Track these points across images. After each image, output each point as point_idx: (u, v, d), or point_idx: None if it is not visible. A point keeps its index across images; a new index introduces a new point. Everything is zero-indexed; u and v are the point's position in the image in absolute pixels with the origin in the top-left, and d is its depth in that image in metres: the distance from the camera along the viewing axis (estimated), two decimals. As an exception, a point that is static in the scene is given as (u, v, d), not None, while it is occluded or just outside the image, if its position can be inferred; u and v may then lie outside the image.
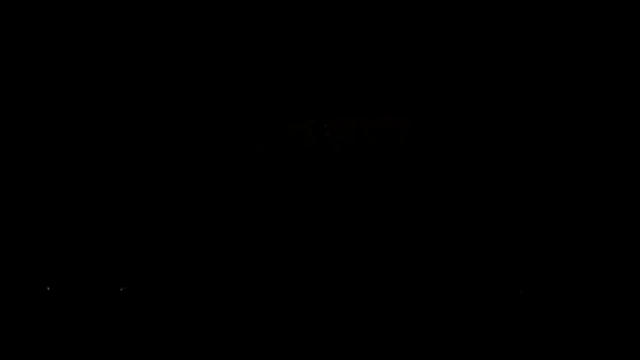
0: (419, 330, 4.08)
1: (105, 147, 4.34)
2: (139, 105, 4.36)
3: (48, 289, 4.20)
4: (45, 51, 4.33)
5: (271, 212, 4.30)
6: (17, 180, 4.30)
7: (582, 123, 4.26)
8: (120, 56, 4.34)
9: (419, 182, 4.30)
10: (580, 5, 4.26)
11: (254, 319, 4.14)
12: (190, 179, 4.33)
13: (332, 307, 4.16)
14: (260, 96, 4.35)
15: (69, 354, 4.08)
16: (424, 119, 4.31)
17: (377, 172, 4.31)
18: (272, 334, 4.11)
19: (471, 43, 4.31)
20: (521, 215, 4.24)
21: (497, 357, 4.02)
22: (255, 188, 4.31)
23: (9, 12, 4.29)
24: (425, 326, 4.09)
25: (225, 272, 4.23)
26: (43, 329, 4.12)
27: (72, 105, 4.35)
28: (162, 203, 4.30)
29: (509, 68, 4.30)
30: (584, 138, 4.26)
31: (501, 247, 4.21)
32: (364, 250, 4.25)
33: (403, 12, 4.31)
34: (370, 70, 4.33)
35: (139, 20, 4.32)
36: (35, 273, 4.22)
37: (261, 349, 4.09)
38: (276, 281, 4.21)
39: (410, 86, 4.32)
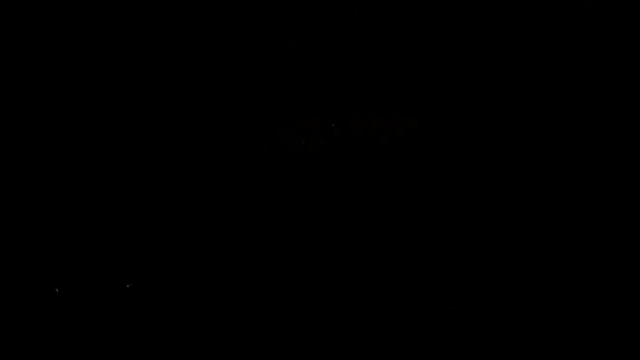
0: (423, 329, 4.08)
1: (112, 145, 4.34)
2: (146, 102, 4.36)
3: (57, 290, 4.19)
4: (45, 51, 4.34)
5: (278, 210, 4.30)
6: (22, 184, 4.30)
7: (585, 123, 4.28)
8: (127, 45, 4.35)
9: (427, 181, 4.30)
10: (580, 8, 4.29)
11: (260, 317, 4.13)
12: (197, 177, 4.33)
13: (337, 306, 4.15)
14: (269, 95, 4.36)
15: (78, 353, 4.07)
16: (431, 119, 4.32)
17: (384, 172, 4.32)
18: (275, 333, 4.10)
19: (478, 45, 4.33)
20: (525, 215, 4.24)
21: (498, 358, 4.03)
22: (263, 186, 4.32)
23: (10, 11, 4.30)
24: (429, 325, 4.09)
25: (231, 269, 4.22)
26: (53, 330, 4.11)
27: (76, 107, 4.36)
28: (169, 202, 4.30)
29: (514, 71, 4.32)
30: (587, 138, 4.28)
31: (505, 246, 4.21)
32: (370, 248, 4.24)
33: (413, 14, 4.33)
34: (378, 71, 4.35)
35: (146, 10, 4.33)
36: (44, 276, 4.22)
37: (266, 349, 4.08)
38: (282, 280, 4.20)
39: (418, 87, 4.34)
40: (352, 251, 4.24)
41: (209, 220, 4.29)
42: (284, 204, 4.31)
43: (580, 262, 4.16)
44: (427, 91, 4.34)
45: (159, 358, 4.06)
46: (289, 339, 4.09)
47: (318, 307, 4.15)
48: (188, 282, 4.21)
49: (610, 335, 4.01)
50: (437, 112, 4.34)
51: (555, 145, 4.29)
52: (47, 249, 4.25)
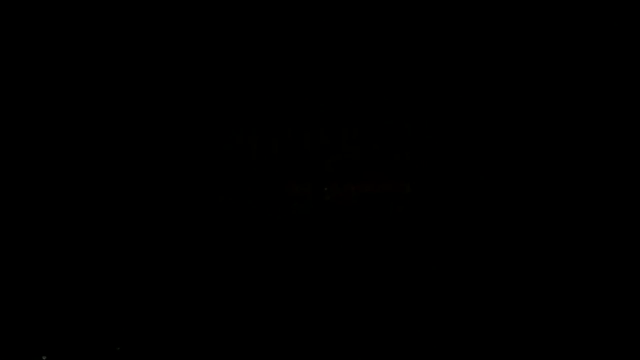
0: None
1: (101, 213, 4.32)
2: (142, 164, 4.35)
3: (44, 358, 4.12)
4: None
5: (268, 275, 4.27)
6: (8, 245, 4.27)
7: (580, 188, 4.28)
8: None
9: (419, 248, 4.28)
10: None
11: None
12: (186, 242, 4.31)
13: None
14: (261, 158, 4.35)
15: None
16: (425, 185, 4.30)
17: (376, 238, 4.29)
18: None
19: (470, 110, 4.34)
20: (523, 285, 4.23)
21: None
22: (253, 250, 4.29)
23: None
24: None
25: (219, 334, 4.18)
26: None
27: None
28: (161, 263, 4.28)
29: (507, 134, 4.32)
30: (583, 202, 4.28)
31: (502, 315, 4.19)
32: (361, 313, 4.21)
33: (406, 76, 4.34)
34: (372, 135, 4.34)
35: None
36: (31, 343, 4.16)
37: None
38: (270, 346, 4.16)
39: (411, 152, 4.33)
40: (342, 316, 4.21)
41: (198, 286, 4.26)
42: (273, 268, 4.28)
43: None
44: (421, 157, 4.33)
45: None
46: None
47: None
48: (173, 343, 4.17)
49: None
50: (431, 179, 4.32)
51: (549, 213, 4.28)
52: (35, 321, 4.20)
